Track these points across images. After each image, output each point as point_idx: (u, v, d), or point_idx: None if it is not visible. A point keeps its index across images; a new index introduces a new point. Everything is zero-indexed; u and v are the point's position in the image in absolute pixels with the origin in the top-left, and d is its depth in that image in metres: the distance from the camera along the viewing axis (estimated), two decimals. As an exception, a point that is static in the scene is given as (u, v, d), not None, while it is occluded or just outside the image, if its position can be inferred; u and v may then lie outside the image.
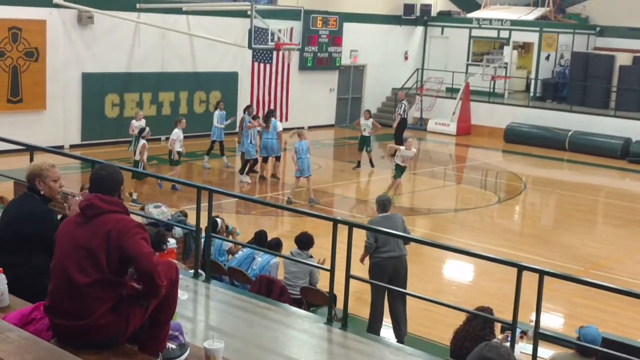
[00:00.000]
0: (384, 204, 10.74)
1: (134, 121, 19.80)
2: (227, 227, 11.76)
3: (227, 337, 6.24)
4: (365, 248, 10.36)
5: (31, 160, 10.24)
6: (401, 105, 24.19)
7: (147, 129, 17.65)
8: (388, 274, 10.14)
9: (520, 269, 6.81)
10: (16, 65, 21.35)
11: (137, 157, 17.13)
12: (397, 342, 9.57)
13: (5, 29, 20.98)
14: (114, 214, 4.61)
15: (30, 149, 11.04)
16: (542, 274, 6.72)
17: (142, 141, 17.00)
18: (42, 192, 5.92)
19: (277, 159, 20.60)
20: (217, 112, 21.38)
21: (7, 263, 5.67)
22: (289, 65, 26.97)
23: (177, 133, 18.25)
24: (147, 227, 5.47)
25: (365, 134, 21.82)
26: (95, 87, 23.22)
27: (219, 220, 11.27)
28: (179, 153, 18.22)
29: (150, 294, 4.57)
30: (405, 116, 24.43)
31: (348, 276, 7.66)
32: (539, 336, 6.81)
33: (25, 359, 3.96)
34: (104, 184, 4.74)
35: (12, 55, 21.24)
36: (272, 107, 24.98)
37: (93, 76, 23.14)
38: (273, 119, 20.35)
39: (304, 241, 10.31)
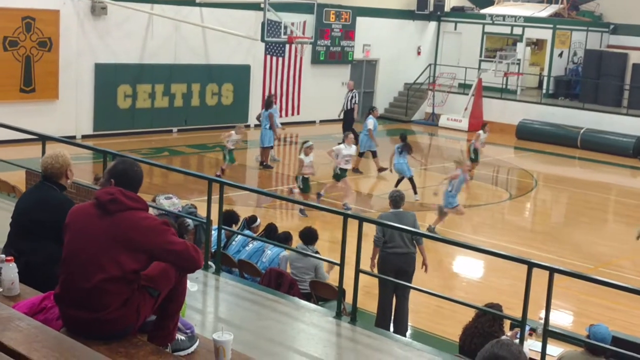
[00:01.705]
0: (396, 199, 10.74)
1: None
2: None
3: (236, 329, 6.25)
4: (374, 242, 10.39)
5: (43, 150, 10.27)
6: (350, 96, 24.27)
7: (310, 142, 16.81)
8: (392, 269, 10.13)
9: (531, 266, 6.80)
10: (29, 55, 21.40)
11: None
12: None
13: (18, 18, 21.03)
14: (136, 211, 4.60)
15: (43, 139, 11.07)
16: (552, 271, 6.71)
17: (301, 155, 16.38)
18: (68, 181, 6.02)
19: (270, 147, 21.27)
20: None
21: (20, 250, 5.71)
22: (301, 58, 27.01)
23: (342, 150, 17.31)
24: (170, 221, 5.51)
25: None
26: (108, 77, 23.26)
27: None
28: (341, 169, 17.29)
29: (190, 270, 4.74)
30: (351, 107, 24.51)
31: (357, 270, 7.66)
32: (548, 334, 6.80)
33: (35, 348, 3.97)
34: (126, 180, 4.72)
35: (26, 44, 21.29)
36: (283, 100, 25.01)
37: (106, 67, 23.18)
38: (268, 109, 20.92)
39: (308, 235, 10.32)
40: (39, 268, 5.68)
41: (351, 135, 17.90)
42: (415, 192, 18.26)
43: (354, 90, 24.91)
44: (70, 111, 22.60)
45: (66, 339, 4.22)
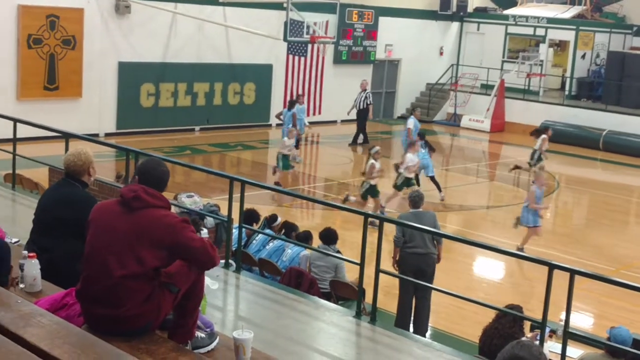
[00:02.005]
0: (415, 200, 10.74)
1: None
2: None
3: (256, 328, 6.28)
4: (394, 242, 10.40)
5: (66, 147, 10.34)
6: (363, 96, 24.54)
7: (377, 147, 16.46)
8: (411, 269, 10.11)
9: (551, 267, 6.78)
10: (53, 53, 21.55)
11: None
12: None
13: (43, 16, 21.19)
14: (158, 209, 4.65)
15: (66, 137, 11.15)
16: (572, 273, 6.68)
17: (371, 161, 15.89)
18: (91, 179, 6.08)
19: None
20: (297, 106, 21.77)
21: (43, 247, 5.76)
22: (323, 58, 27.03)
23: (412, 158, 16.83)
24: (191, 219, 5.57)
25: None
26: (131, 76, 23.38)
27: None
28: (411, 178, 16.71)
29: (206, 268, 4.81)
30: (365, 107, 24.71)
31: (378, 270, 7.66)
32: (568, 335, 6.77)
33: (56, 344, 4.00)
34: (150, 178, 4.78)
35: (50, 42, 21.44)
36: (304, 99, 25.08)
37: (129, 65, 23.30)
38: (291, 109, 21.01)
39: (328, 236, 10.32)
40: (61, 265, 5.72)
41: (418, 143, 17.51)
42: (440, 190, 18.21)
43: (367, 90, 24.98)
44: (93, 109, 22.73)
45: (88, 336, 4.26)
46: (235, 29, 24.44)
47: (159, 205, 4.67)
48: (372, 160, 15.95)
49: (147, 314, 4.59)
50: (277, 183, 17.96)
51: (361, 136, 25.10)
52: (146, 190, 4.67)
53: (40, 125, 12.27)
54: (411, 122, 20.70)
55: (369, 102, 24.66)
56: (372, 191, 16.06)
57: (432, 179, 18.27)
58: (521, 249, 14.13)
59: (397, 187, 16.87)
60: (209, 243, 4.74)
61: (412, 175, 16.82)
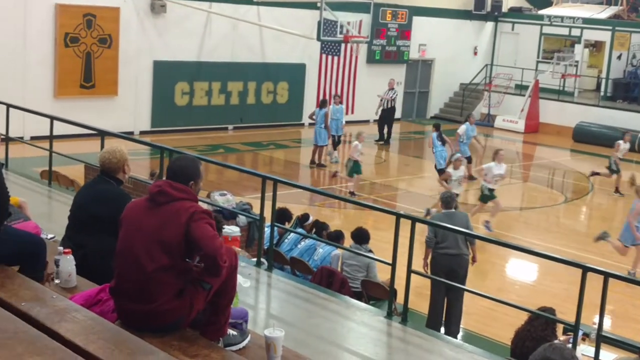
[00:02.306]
0: (447, 200, 10.71)
1: (357, 143, 18.40)
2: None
3: (287, 326, 6.31)
4: (426, 243, 10.37)
5: (102, 145, 10.44)
6: (392, 95, 24.86)
7: (458, 154, 16.29)
8: (443, 270, 10.07)
9: (585, 270, 6.73)
10: (90, 52, 21.76)
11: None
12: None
13: (80, 15, 21.40)
14: (183, 202, 4.68)
15: (102, 134, 11.26)
16: (606, 276, 6.63)
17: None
18: (125, 176, 6.14)
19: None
20: (332, 107, 21.89)
21: (78, 243, 5.83)
22: (356, 58, 27.01)
23: (493, 168, 15.78)
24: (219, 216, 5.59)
25: None
26: (166, 75, 23.55)
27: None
28: (489, 189, 15.85)
29: (212, 274, 4.64)
30: (392, 105, 25.07)
31: (409, 271, 7.65)
32: (602, 339, 6.72)
33: (91, 340, 4.05)
34: (176, 173, 4.82)
35: (86, 41, 21.65)
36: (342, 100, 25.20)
37: (164, 64, 23.47)
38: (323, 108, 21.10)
39: (360, 235, 10.32)
40: (96, 261, 5.79)
41: (502, 152, 16.16)
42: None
43: (394, 89, 25.02)
44: (128, 107, 22.92)
45: (122, 331, 4.30)
46: (269, 28, 24.51)
47: (184, 197, 4.70)
48: (450, 169, 16.05)
49: (178, 310, 4.62)
50: (351, 193, 17.71)
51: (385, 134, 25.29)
52: (171, 184, 4.73)
53: (77, 123, 12.40)
54: (462, 129, 20.35)
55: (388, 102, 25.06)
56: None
57: (441, 171, 18.50)
58: (633, 274, 13.18)
59: (482, 199, 16.13)
60: (226, 250, 4.74)
61: (496, 187, 15.93)
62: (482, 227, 15.37)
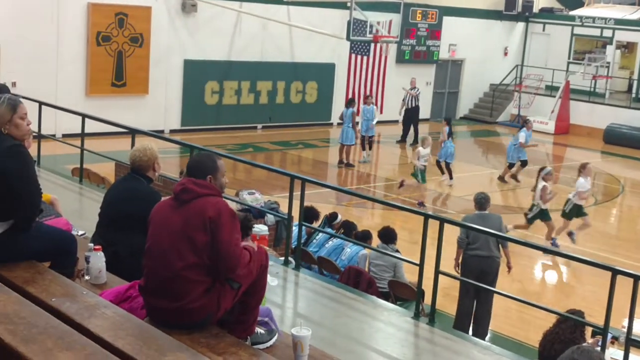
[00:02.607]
0: (481, 201, 10.65)
1: (421, 149, 18.80)
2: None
3: (314, 325, 6.33)
4: (458, 243, 10.33)
5: (133, 143, 10.53)
6: (415, 93, 25.04)
7: (549, 168, 15.25)
8: (473, 272, 10.02)
9: (615, 273, 6.68)
10: (121, 50, 21.93)
11: (536, 201, 14.82)
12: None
13: (112, 14, 21.58)
14: (208, 197, 4.71)
15: (133, 132, 11.34)
16: (636, 279, 6.57)
17: (542, 183, 14.60)
18: (156, 174, 6.20)
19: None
20: (363, 107, 21.94)
21: (108, 240, 5.89)
22: (386, 57, 26.95)
23: (583, 184, 14.93)
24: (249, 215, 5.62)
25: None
26: (196, 74, 23.66)
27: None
28: (582, 206, 15.05)
29: (222, 273, 4.64)
30: (416, 104, 25.16)
31: (437, 272, 7.64)
32: (631, 342, 6.67)
33: (120, 336, 4.09)
34: (193, 169, 4.87)
35: (118, 40, 21.82)
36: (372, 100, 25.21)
37: (194, 63, 23.58)
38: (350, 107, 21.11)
39: (387, 235, 10.31)
40: (125, 258, 5.84)
41: (589, 166, 15.34)
42: (451, 178, 19.14)
43: (416, 87, 25.03)
44: (159, 106, 23.06)
45: (150, 328, 4.34)
46: (298, 28, 24.54)
47: (208, 193, 4.73)
48: (542, 183, 14.67)
49: (206, 307, 4.64)
50: (420, 203, 17.32)
51: (412, 134, 25.21)
52: (194, 181, 4.77)
53: (108, 121, 12.51)
54: (522, 136, 20.18)
55: (418, 100, 25.03)
56: (543, 215, 14.87)
57: (447, 165, 19.14)
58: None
59: (566, 216, 15.17)
60: (257, 250, 4.77)
61: (582, 202, 15.06)
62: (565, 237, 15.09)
